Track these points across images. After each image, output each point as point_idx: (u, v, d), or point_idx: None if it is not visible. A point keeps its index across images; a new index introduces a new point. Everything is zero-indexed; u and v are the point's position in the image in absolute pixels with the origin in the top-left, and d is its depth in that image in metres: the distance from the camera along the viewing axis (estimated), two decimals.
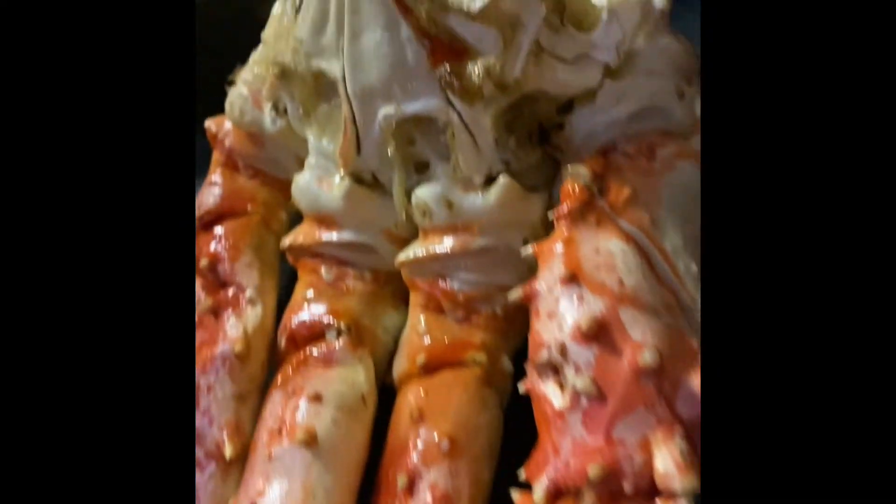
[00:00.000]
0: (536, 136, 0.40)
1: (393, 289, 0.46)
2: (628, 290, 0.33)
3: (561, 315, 0.33)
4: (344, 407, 0.41)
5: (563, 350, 0.32)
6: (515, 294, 0.35)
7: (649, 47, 0.38)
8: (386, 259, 0.45)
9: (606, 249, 0.34)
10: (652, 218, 0.36)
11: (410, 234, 0.44)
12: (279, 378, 0.43)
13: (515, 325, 0.42)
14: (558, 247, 0.35)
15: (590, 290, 0.33)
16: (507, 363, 0.42)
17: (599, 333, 0.32)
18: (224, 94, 0.50)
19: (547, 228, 0.41)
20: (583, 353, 0.32)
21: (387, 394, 0.44)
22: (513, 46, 0.36)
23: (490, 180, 0.40)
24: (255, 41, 0.50)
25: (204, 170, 0.53)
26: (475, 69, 0.36)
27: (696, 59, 0.40)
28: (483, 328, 0.42)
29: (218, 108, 0.51)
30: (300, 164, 0.47)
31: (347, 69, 0.40)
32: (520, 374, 0.41)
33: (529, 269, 0.41)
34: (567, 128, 0.39)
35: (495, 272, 0.41)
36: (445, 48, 0.36)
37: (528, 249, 0.37)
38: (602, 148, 0.38)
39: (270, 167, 0.50)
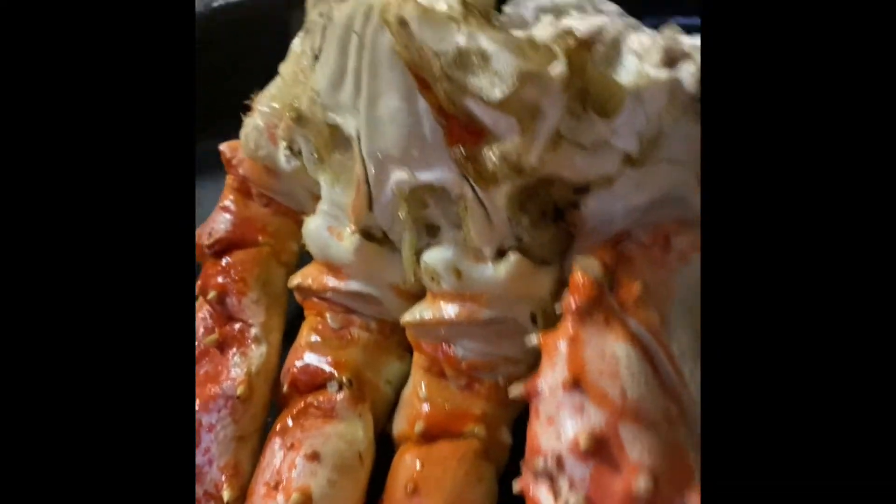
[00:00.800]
0: (551, 215, 0.39)
1: (398, 339, 0.46)
2: (630, 402, 0.32)
3: (560, 423, 0.33)
4: (341, 466, 0.41)
5: (559, 461, 0.32)
6: (517, 391, 0.35)
7: (673, 133, 0.37)
8: (392, 312, 0.44)
9: (612, 353, 0.34)
10: (662, 316, 0.35)
11: (419, 289, 0.44)
12: (279, 425, 0.43)
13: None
14: (563, 344, 0.34)
15: (591, 400, 0.32)
16: (505, 435, 0.42)
17: (597, 450, 0.31)
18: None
19: (556, 300, 0.41)
20: (579, 468, 0.32)
21: (386, 440, 0.44)
22: (531, 134, 0.34)
23: (501, 253, 0.39)
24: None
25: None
26: (491, 154, 0.35)
27: None
28: (484, 398, 0.42)
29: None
30: (315, 200, 0.46)
31: (363, 130, 0.39)
32: (518, 442, 0.41)
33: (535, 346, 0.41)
34: (582, 208, 0.38)
35: (500, 343, 0.41)
36: (462, 129, 0.35)
37: (533, 340, 0.36)
38: (616, 235, 0.37)
39: (285, 199, 0.50)
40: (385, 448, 0.44)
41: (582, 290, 0.35)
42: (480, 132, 0.35)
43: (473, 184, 0.37)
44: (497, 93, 0.33)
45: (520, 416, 0.43)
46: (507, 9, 0.42)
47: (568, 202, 0.38)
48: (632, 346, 0.34)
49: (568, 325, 0.35)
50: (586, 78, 0.35)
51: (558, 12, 0.40)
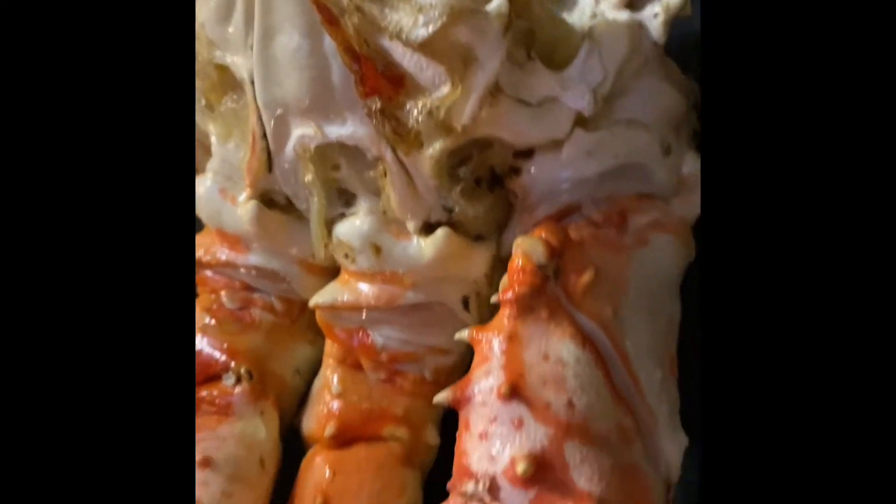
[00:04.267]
0: (487, 182, 0.32)
1: (308, 320, 0.39)
2: (578, 416, 0.27)
3: (494, 440, 0.27)
4: (238, 476, 0.35)
5: (492, 487, 0.27)
6: (443, 397, 0.29)
7: (635, 90, 0.31)
8: (300, 291, 0.38)
9: (557, 356, 0.28)
10: (614, 309, 0.30)
11: (332, 265, 0.37)
12: None
13: None
14: (499, 344, 0.29)
15: (532, 413, 0.27)
16: (432, 435, 0.36)
17: (539, 475, 0.26)
18: None
19: (492, 283, 0.35)
20: (516, 497, 0.26)
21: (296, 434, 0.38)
22: (463, 86, 0.28)
23: (428, 227, 0.33)
24: None
25: None
26: (413, 109, 0.28)
27: (692, 95, 0.33)
28: (408, 394, 0.36)
29: None
30: (206, 153, 0.39)
31: (257, 74, 0.32)
32: (446, 440, 0.36)
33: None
34: (525, 175, 0.32)
35: (427, 332, 0.35)
36: (378, 76, 0.28)
37: (464, 335, 0.30)
38: (564, 209, 0.31)
39: None
40: (295, 443, 0.38)
41: (522, 278, 0.29)
42: (400, 80, 0.28)
43: (393, 145, 0.31)
44: (421, 32, 0.26)
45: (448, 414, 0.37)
46: None
47: (508, 168, 0.32)
48: (580, 348, 0.28)
49: (504, 320, 0.29)
50: (532, 18, 0.28)
51: None
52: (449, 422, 0.34)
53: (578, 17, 0.31)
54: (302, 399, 0.39)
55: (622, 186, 0.31)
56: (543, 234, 0.30)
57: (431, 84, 0.28)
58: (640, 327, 0.30)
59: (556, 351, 0.28)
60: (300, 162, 0.33)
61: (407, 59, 0.28)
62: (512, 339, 0.29)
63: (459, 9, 0.26)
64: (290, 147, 0.33)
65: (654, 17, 0.30)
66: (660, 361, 0.30)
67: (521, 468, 0.26)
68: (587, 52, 0.29)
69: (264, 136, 0.33)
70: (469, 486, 0.27)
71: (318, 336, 0.40)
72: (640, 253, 0.31)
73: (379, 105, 0.28)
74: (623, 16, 0.30)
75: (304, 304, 0.38)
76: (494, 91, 0.29)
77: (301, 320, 0.39)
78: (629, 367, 0.29)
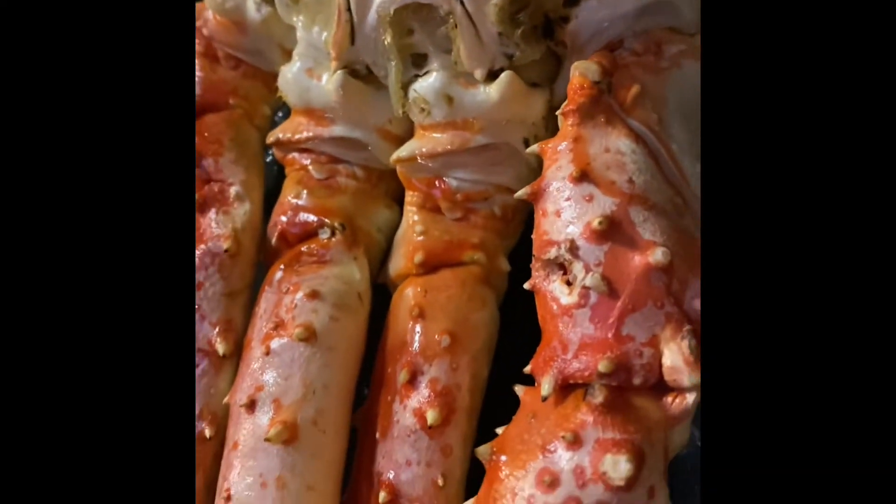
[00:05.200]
0: (541, 30, 0.38)
1: (386, 187, 0.45)
2: (638, 189, 0.33)
3: (571, 213, 0.33)
4: (341, 304, 0.41)
5: (572, 248, 0.32)
6: (523, 192, 0.35)
7: None
8: (379, 157, 0.44)
9: (616, 148, 0.34)
10: (659, 117, 0.36)
11: (405, 132, 0.43)
12: (271, 276, 0.42)
13: (513, 226, 0.42)
14: (566, 145, 0.34)
15: (600, 189, 0.33)
16: (504, 262, 0.42)
17: (610, 232, 0.32)
18: None
19: (548, 127, 0.40)
20: (593, 252, 0.32)
21: (379, 294, 0.44)
22: None
23: (492, 75, 0.39)
24: None
25: None
26: None
27: None
28: (481, 227, 0.41)
29: None
30: (287, 56, 0.45)
31: None
32: (516, 274, 0.42)
33: (529, 170, 0.41)
34: (573, 21, 0.38)
35: (494, 171, 0.41)
36: None
37: (535, 148, 0.36)
38: (609, 44, 0.37)
39: (254, 58, 0.48)
40: (378, 307, 0.43)
41: (581, 92, 0.35)
42: None
43: None
44: None
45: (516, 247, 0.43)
46: None
47: (559, 15, 0.38)
48: (635, 143, 0.34)
49: (571, 127, 0.35)
50: None
51: None
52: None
53: None
54: (383, 257, 0.45)
55: (656, 21, 0.37)
56: (596, 58, 0.36)
57: None
58: (680, 130, 0.36)
59: (614, 145, 0.34)
60: (381, 27, 0.39)
61: None
62: (577, 140, 0.34)
63: None
64: (371, 15, 0.39)
65: None
66: (697, 157, 0.35)
67: (595, 225, 0.32)
68: None
69: (349, 8, 0.39)
70: (552, 252, 0.33)
71: (394, 202, 0.46)
72: (674, 73, 0.37)
73: None
74: None
75: (382, 172, 0.45)
76: None
77: (380, 186, 0.45)
78: (675, 159, 0.35)
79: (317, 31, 0.42)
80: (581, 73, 0.35)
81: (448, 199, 0.41)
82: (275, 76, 0.46)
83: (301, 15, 0.42)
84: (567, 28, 0.38)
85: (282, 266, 0.42)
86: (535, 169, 0.39)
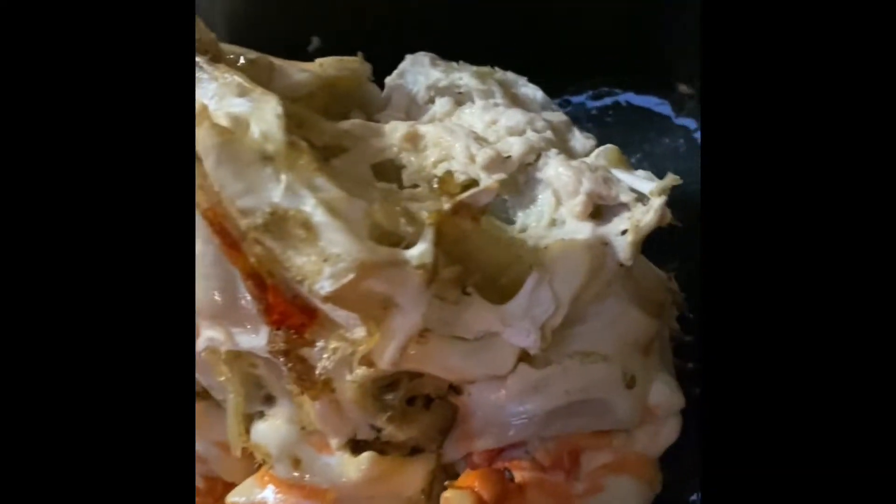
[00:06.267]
0: (423, 400, 0.28)
1: None
2: None
3: None
4: None
5: None
6: None
7: (594, 316, 0.26)
8: (220, 473, 0.34)
9: None
10: None
11: None
12: None
13: None
14: None
15: None
16: None
17: None
18: None
19: (431, 496, 0.30)
20: None
21: None
22: (382, 331, 0.23)
23: (354, 443, 0.29)
24: None
25: None
26: (324, 352, 0.24)
27: (666, 306, 0.29)
28: None
29: None
30: None
31: None
32: None
33: None
34: (465, 396, 0.27)
35: None
36: (286, 303, 0.24)
37: None
38: (507, 445, 0.27)
39: None
40: None
41: None
42: (313, 313, 0.24)
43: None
44: (326, 285, 0.22)
45: None
46: (388, 80, 0.31)
47: (444, 392, 0.27)
48: None
49: None
50: (471, 247, 0.24)
51: (456, 95, 0.29)
52: None
53: (536, 219, 0.26)
54: None
55: (575, 424, 0.27)
56: (476, 485, 0.26)
57: (346, 322, 0.24)
58: None
59: None
60: (211, 363, 0.29)
61: (316, 300, 0.23)
62: None
63: (371, 263, 0.21)
64: (200, 346, 0.29)
65: (621, 234, 0.26)
66: None
67: None
68: (535, 283, 0.25)
69: None
70: None
71: None
72: (592, 501, 0.27)
73: (283, 346, 0.24)
74: (585, 230, 0.26)
75: (227, 485, 0.35)
76: (423, 332, 0.24)
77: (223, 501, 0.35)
78: None
79: None
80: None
81: None
82: None
83: None
84: (459, 398, 0.28)
85: None
86: None
